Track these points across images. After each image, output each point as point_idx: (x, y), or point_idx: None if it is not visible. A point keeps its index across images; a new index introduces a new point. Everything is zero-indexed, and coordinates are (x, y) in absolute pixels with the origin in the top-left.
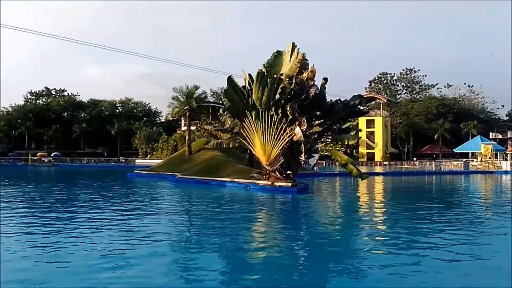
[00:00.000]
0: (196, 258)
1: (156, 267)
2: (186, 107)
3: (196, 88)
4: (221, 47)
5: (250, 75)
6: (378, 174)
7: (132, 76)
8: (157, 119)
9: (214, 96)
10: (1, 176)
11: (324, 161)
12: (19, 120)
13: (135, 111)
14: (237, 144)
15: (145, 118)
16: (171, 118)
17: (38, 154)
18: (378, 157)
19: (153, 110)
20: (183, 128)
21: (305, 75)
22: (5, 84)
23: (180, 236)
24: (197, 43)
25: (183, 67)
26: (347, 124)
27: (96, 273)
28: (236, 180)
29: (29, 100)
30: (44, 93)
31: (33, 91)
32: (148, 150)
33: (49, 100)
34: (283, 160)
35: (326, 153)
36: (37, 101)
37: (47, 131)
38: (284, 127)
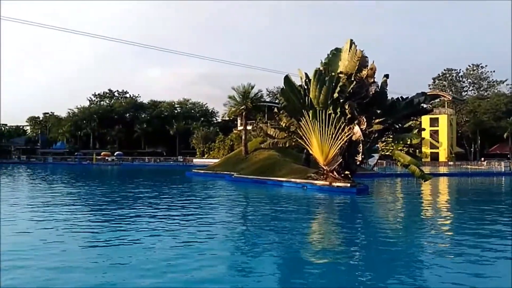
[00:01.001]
0: (253, 258)
1: (212, 266)
2: (242, 107)
3: (252, 87)
4: (277, 47)
5: (306, 74)
6: (442, 175)
7: (190, 77)
8: (214, 119)
9: (270, 95)
10: (70, 174)
11: (384, 161)
12: (84, 121)
13: (192, 111)
14: (293, 144)
15: (202, 118)
16: (227, 118)
17: (102, 153)
18: (442, 157)
19: (210, 110)
20: (239, 128)
21: (364, 72)
22: (71, 86)
23: (237, 236)
24: (254, 42)
25: (239, 67)
26: (410, 123)
27: (161, 267)
28: (292, 180)
29: (94, 102)
30: (108, 95)
31: (96, 93)
32: (205, 150)
33: (112, 101)
34: (341, 160)
35: (387, 153)
36: (101, 102)
37: (110, 131)
38: (342, 126)
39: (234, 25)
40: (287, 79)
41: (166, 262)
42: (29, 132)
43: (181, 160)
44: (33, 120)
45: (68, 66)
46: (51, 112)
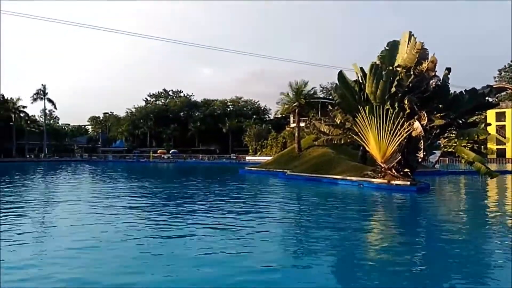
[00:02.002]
0: (308, 259)
1: (269, 265)
2: (295, 104)
3: (305, 84)
4: (331, 42)
5: (362, 69)
6: (510, 172)
7: (243, 75)
8: (266, 116)
9: (324, 91)
10: (131, 171)
11: (447, 158)
12: (141, 120)
13: (245, 109)
14: (348, 141)
15: (254, 116)
16: (280, 115)
17: (158, 151)
18: (510, 153)
19: (262, 108)
20: (292, 125)
21: (424, 65)
22: (129, 87)
23: (293, 234)
24: (306, 38)
25: (292, 64)
26: (474, 118)
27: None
28: (348, 177)
29: (149, 102)
30: (163, 94)
31: (152, 93)
32: (257, 147)
33: (167, 101)
34: (400, 157)
35: (450, 150)
36: (157, 102)
37: (166, 129)
38: (401, 121)
39: (287, 22)
40: (341, 74)
41: (224, 258)
42: (90, 131)
43: (234, 157)
44: (94, 119)
45: (126, 67)
46: (111, 112)
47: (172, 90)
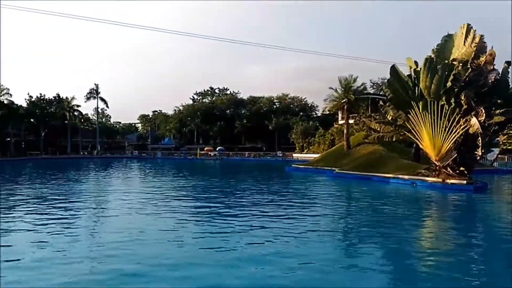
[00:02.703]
0: (359, 262)
1: (319, 266)
2: (344, 100)
3: (355, 80)
4: (382, 35)
5: (416, 63)
6: None
7: (289, 72)
8: (314, 113)
9: (374, 87)
10: (181, 168)
11: (506, 156)
12: (189, 118)
13: (291, 106)
14: (400, 138)
15: (301, 113)
16: (328, 112)
17: (205, 148)
18: None
19: (309, 105)
20: (341, 122)
21: (482, 59)
22: (177, 84)
23: (343, 234)
24: (355, 33)
25: (340, 59)
26: None
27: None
28: (400, 176)
29: (196, 100)
30: (209, 92)
31: (198, 91)
32: (304, 145)
33: (213, 98)
34: (456, 155)
35: (510, 147)
36: (204, 100)
37: (213, 127)
38: (457, 118)
39: (334, 16)
40: (393, 69)
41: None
42: (140, 129)
43: (280, 155)
44: (143, 118)
45: (174, 66)
46: (159, 110)
47: (218, 88)
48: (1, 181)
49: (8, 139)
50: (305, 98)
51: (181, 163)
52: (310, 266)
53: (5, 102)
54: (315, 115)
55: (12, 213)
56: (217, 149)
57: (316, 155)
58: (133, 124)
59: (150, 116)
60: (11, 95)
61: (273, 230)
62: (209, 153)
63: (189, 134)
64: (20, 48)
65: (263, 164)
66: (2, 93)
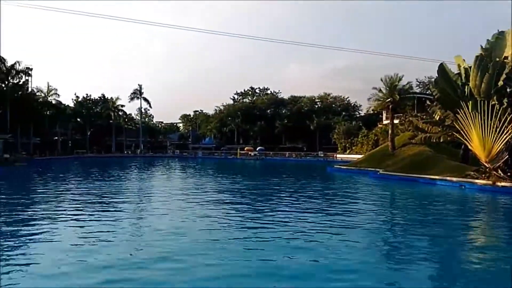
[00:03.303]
0: (404, 269)
1: (366, 273)
2: (389, 99)
3: (400, 78)
4: (428, 33)
5: (465, 61)
6: None
7: (331, 71)
8: (357, 113)
9: (420, 86)
10: (222, 167)
11: None
12: (229, 118)
13: (333, 105)
14: (448, 139)
15: (344, 113)
16: (372, 112)
17: (245, 148)
18: None
19: (352, 104)
20: (385, 122)
21: None
22: (217, 84)
23: (387, 239)
24: (399, 31)
25: (385, 57)
26: None
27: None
28: (448, 178)
29: (237, 100)
30: (250, 92)
31: (239, 91)
32: (347, 145)
33: (254, 98)
34: (507, 156)
35: None
36: (244, 99)
37: (253, 127)
38: (508, 118)
39: (379, 14)
40: (441, 67)
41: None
42: (181, 128)
43: (322, 155)
44: (185, 117)
45: (215, 66)
46: (200, 110)
47: (259, 88)
48: (54, 178)
49: (56, 138)
50: (348, 97)
51: (221, 162)
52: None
53: (53, 102)
54: (358, 115)
55: (62, 208)
56: (257, 149)
57: (359, 156)
58: (174, 124)
59: (191, 116)
60: (58, 95)
61: (311, 235)
62: (249, 153)
63: (229, 134)
64: (68, 49)
65: (304, 165)
66: (51, 93)
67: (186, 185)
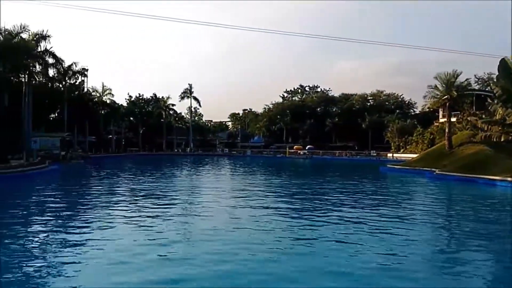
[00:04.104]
0: (459, 279)
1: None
2: (445, 97)
3: (457, 75)
4: (487, 27)
5: None
6: None
7: (384, 67)
8: (411, 111)
9: (479, 82)
10: (273, 166)
11: None
12: (278, 116)
13: (386, 103)
14: (510, 138)
15: (397, 111)
16: (427, 109)
17: (295, 147)
18: None
19: (406, 102)
20: (442, 120)
21: None
22: (267, 83)
23: (448, 246)
24: (457, 25)
25: (440, 52)
26: None
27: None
28: (509, 179)
29: (286, 98)
30: (299, 90)
31: (288, 89)
32: (400, 144)
33: (303, 96)
34: None
35: None
36: (293, 98)
37: (302, 125)
38: None
39: (434, 8)
40: (503, 63)
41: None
42: (230, 127)
43: (374, 154)
44: (234, 116)
45: (264, 65)
46: (249, 109)
47: (308, 86)
48: (108, 174)
49: (110, 136)
50: (402, 95)
51: (270, 161)
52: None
53: (108, 101)
54: (412, 113)
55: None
56: (306, 148)
57: (414, 155)
58: (223, 123)
59: (240, 114)
60: (113, 95)
61: (366, 238)
62: (299, 151)
63: (278, 132)
64: (121, 50)
65: (356, 164)
66: (105, 93)
67: (239, 183)
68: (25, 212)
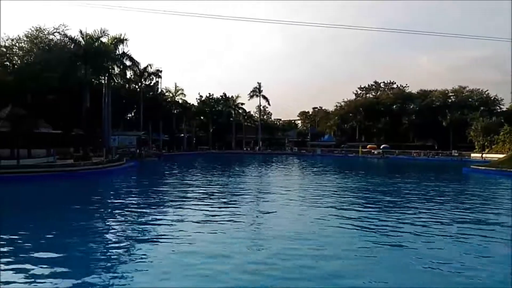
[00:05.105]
0: None
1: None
2: None
3: None
4: None
5: None
6: None
7: (466, 62)
8: (497, 107)
9: None
10: (346, 166)
11: None
12: (350, 114)
13: (470, 100)
14: None
15: (482, 108)
16: None
17: (368, 146)
18: None
19: (491, 98)
20: None
21: None
22: (338, 80)
23: None
24: None
25: None
26: None
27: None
28: None
29: (359, 95)
30: (373, 87)
31: (362, 86)
32: (485, 143)
33: (378, 93)
34: None
35: None
36: (367, 95)
37: (376, 123)
38: None
39: None
40: None
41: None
42: (300, 125)
43: (456, 154)
44: (303, 114)
45: (335, 60)
46: (320, 107)
47: (383, 82)
48: (181, 171)
49: (182, 135)
50: (487, 91)
51: (342, 161)
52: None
53: (180, 101)
54: (499, 110)
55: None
56: (381, 147)
57: (501, 156)
58: (293, 121)
59: (310, 113)
60: (185, 95)
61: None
62: (372, 151)
63: (350, 131)
64: (191, 50)
65: (435, 164)
66: (178, 93)
67: (311, 183)
68: (111, 205)
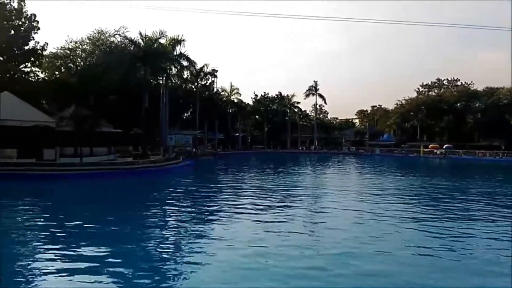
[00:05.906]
0: None
1: None
2: None
3: None
4: None
5: None
6: None
7: None
8: None
9: None
10: (408, 167)
11: None
12: (411, 113)
13: None
14: None
15: None
16: None
17: (430, 146)
18: None
19: None
20: None
21: None
22: (399, 78)
23: None
24: None
25: None
26: None
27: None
28: None
29: (421, 93)
30: (436, 84)
31: (424, 84)
32: None
33: (441, 91)
34: None
35: None
36: (429, 93)
37: (439, 122)
38: None
39: None
40: None
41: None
42: (357, 124)
43: None
44: (361, 113)
45: (395, 57)
46: (379, 105)
47: (447, 79)
48: (236, 170)
49: (237, 134)
50: None
51: (403, 161)
52: None
53: (235, 101)
54: None
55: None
56: (444, 147)
57: None
58: (350, 120)
59: (369, 111)
60: (240, 94)
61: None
62: (435, 150)
63: (411, 130)
64: (247, 50)
65: (502, 165)
66: (233, 92)
67: (374, 185)
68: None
